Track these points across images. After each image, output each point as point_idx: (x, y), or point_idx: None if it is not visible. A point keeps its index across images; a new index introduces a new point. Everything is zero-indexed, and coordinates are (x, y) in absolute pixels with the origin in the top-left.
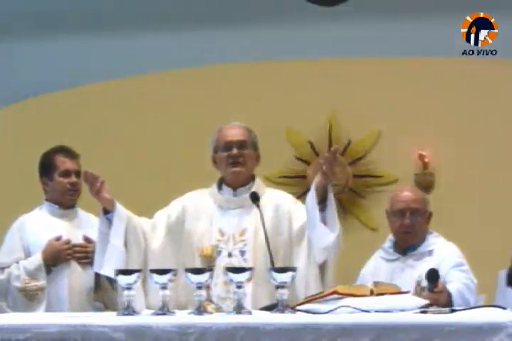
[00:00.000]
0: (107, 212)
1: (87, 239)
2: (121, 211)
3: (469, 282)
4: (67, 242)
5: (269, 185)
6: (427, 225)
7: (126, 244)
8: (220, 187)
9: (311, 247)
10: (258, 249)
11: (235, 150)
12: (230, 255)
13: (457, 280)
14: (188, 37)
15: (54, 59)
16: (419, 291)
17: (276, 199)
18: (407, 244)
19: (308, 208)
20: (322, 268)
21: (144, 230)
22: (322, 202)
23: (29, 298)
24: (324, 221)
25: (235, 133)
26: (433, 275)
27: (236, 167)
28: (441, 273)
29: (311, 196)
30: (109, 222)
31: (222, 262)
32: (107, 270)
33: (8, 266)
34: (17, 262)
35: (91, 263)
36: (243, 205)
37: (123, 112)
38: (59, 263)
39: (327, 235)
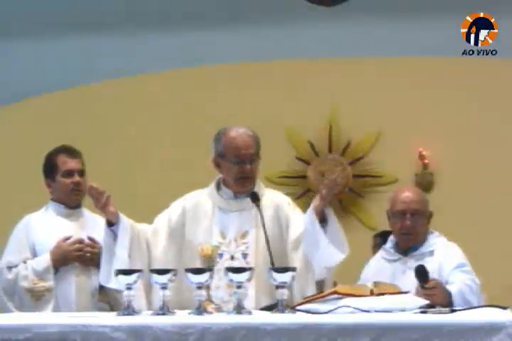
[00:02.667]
0: (111, 224)
1: (92, 240)
2: (125, 222)
3: (471, 283)
4: (78, 242)
5: (270, 185)
6: (428, 225)
7: (130, 255)
8: (218, 188)
9: (311, 265)
10: (260, 252)
11: (248, 167)
12: (232, 258)
13: (459, 281)
14: (188, 37)
15: (54, 59)
16: (420, 291)
17: (276, 200)
18: (408, 244)
19: (308, 229)
20: (319, 284)
21: (146, 238)
22: (321, 223)
23: (36, 299)
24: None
25: (245, 145)
26: (421, 272)
27: (246, 182)
28: (444, 273)
29: (310, 218)
30: (114, 233)
31: (224, 265)
32: (115, 284)
33: (16, 266)
34: (24, 262)
35: (97, 264)
36: (244, 207)
37: (123, 112)
38: (67, 264)
39: (336, 255)
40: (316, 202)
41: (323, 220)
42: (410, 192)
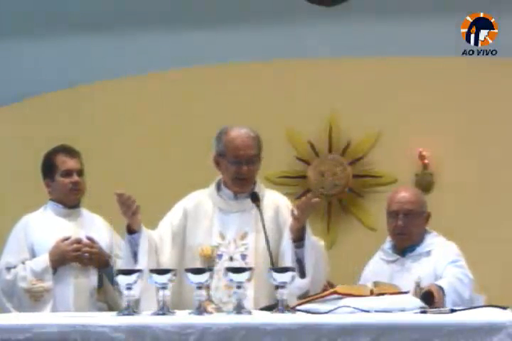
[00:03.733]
0: (132, 231)
1: (91, 240)
2: (145, 231)
3: (462, 276)
4: (76, 242)
5: (270, 185)
6: (425, 226)
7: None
8: (219, 188)
9: None
10: (260, 253)
11: (245, 168)
12: (231, 259)
13: (451, 275)
14: (188, 37)
15: (54, 59)
16: (418, 292)
17: (276, 201)
18: (403, 245)
19: (284, 246)
20: (302, 298)
21: (156, 246)
22: (300, 240)
23: (35, 299)
24: (301, 259)
25: (245, 146)
26: (428, 298)
27: (243, 184)
28: (438, 272)
29: (286, 235)
30: (134, 241)
31: (223, 266)
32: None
33: (15, 267)
34: (23, 262)
35: (95, 264)
36: (244, 208)
37: (123, 112)
38: (65, 264)
39: (299, 280)
40: (292, 221)
41: (302, 238)
42: (406, 193)
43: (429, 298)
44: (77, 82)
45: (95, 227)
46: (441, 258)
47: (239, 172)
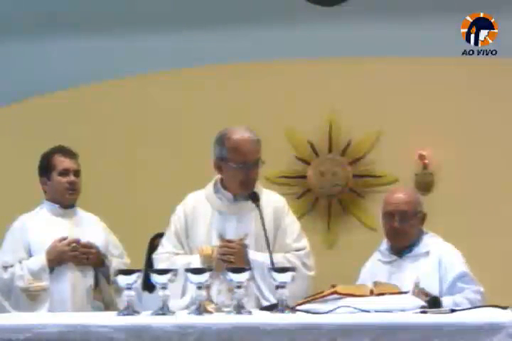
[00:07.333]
0: None
1: (89, 243)
2: None
3: (473, 295)
4: (73, 242)
5: (270, 185)
6: (421, 226)
7: None
8: (216, 189)
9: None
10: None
11: (253, 172)
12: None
13: (461, 296)
14: (188, 37)
15: (53, 59)
16: (417, 292)
17: (274, 201)
18: (399, 245)
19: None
20: None
21: None
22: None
23: (32, 298)
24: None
25: (250, 151)
26: (436, 304)
27: (250, 186)
28: (445, 284)
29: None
30: None
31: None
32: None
33: (12, 266)
34: (20, 262)
35: (91, 264)
36: (243, 210)
37: (123, 112)
38: (62, 263)
39: None
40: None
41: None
42: (401, 194)
43: (437, 303)
44: (77, 82)
45: (91, 226)
46: (447, 268)
47: (247, 175)
